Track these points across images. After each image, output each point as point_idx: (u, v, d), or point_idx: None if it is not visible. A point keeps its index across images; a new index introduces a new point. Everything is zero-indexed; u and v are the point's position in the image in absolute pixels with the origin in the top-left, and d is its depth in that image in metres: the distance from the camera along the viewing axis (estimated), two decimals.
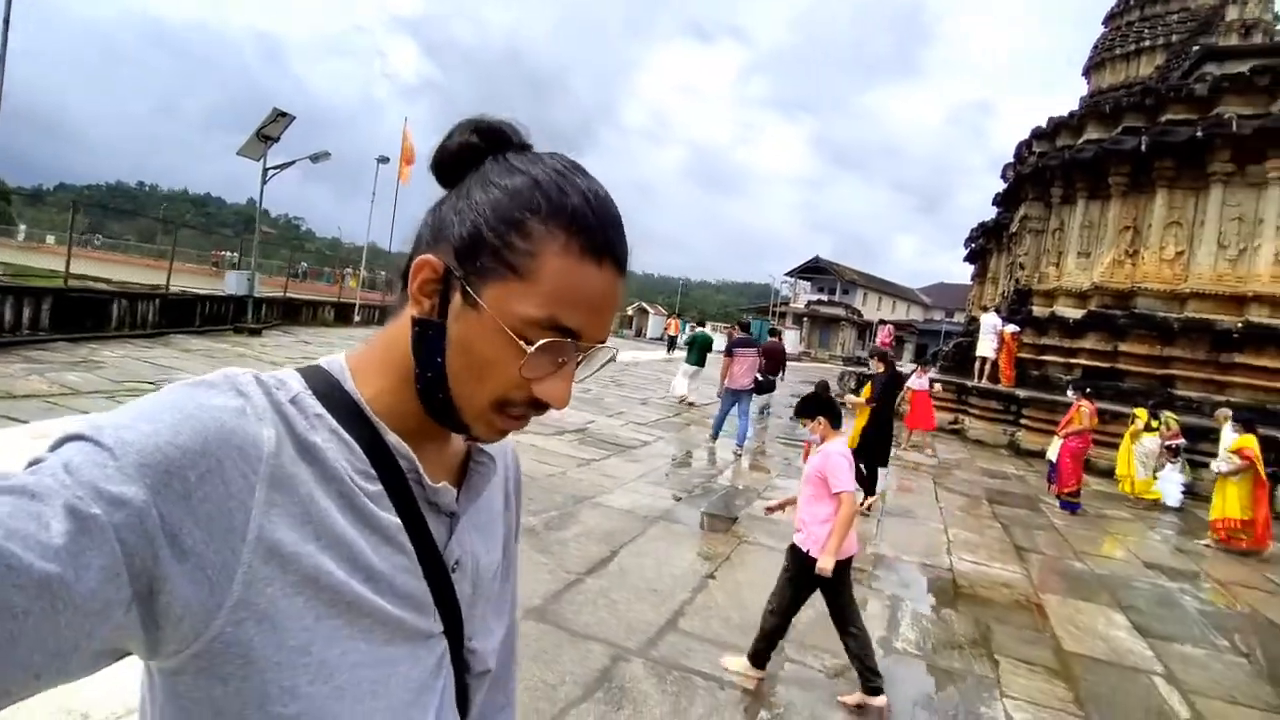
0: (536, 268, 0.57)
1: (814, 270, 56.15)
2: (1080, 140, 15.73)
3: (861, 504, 6.51)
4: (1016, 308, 16.93)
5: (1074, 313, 15.12)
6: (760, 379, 10.15)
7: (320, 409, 0.59)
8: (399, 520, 0.60)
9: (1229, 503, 7.74)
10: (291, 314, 18.76)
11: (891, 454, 8.61)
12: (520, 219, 0.58)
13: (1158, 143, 13.73)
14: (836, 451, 3.54)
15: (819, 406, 3.77)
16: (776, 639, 3.51)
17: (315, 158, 17.08)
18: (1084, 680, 4.07)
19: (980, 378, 15.80)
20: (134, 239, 42.70)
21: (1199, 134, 13.09)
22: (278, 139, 15.07)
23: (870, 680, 3.35)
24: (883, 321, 38.81)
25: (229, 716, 0.52)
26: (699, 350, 14.13)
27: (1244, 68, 13.44)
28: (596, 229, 0.59)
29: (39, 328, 10.42)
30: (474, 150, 0.63)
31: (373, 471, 0.59)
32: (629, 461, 8.01)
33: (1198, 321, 13.01)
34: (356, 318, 21.15)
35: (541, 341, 0.58)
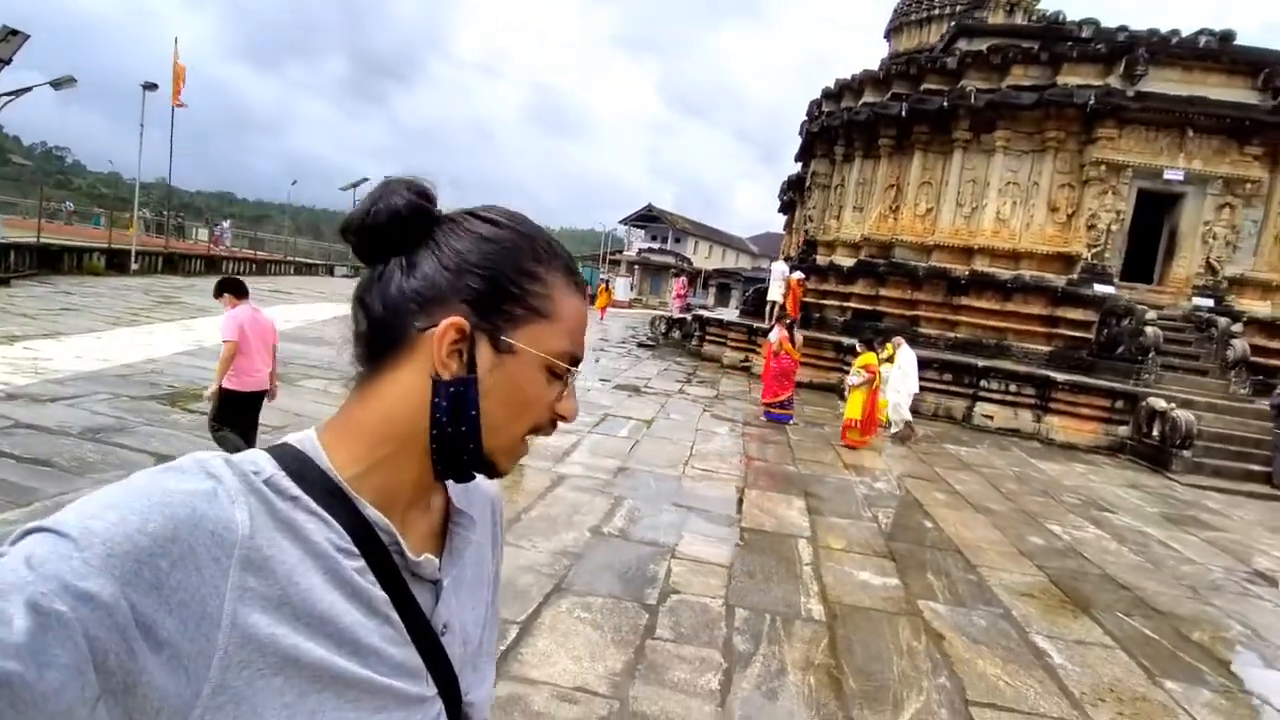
0: (555, 307, 0.68)
1: (647, 219, 57.99)
2: (859, 103, 17.81)
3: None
4: (804, 256, 19.09)
5: (848, 261, 17.39)
6: None
7: (296, 490, 0.60)
8: (385, 594, 0.63)
9: (851, 406, 9.85)
10: (51, 262, 17.01)
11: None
12: (533, 269, 0.67)
13: (915, 109, 15.98)
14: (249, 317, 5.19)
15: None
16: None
17: (57, 84, 15.38)
18: (746, 544, 5.40)
19: (769, 320, 17.79)
20: None
21: (945, 104, 15.42)
22: (9, 60, 13.52)
23: None
24: (676, 274, 41.53)
25: None
26: None
27: (984, 45, 15.89)
28: (574, 267, 0.72)
29: None
30: (422, 211, 0.67)
31: (354, 549, 0.61)
32: None
33: (938, 270, 15.54)
34: (134, 265, 19.40)
35: (566, 351, 0.69)
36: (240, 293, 5.37)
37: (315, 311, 16.33)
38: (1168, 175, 14.02)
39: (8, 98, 14.50)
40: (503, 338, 0.65)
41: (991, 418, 12.86)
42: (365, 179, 35.39)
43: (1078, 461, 11.02)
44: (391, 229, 0.66)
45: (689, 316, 22.08)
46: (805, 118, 20.54)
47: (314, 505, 0.60)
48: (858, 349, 10.71)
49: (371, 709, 0.60)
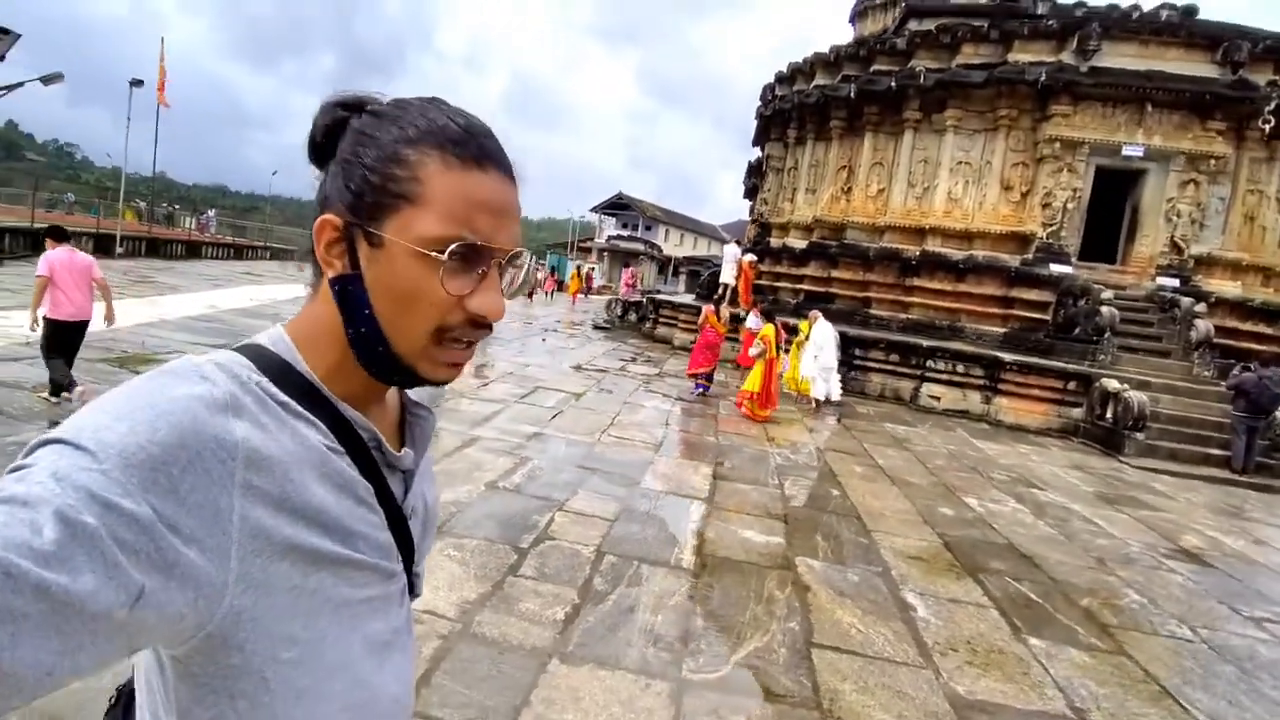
0: (423, 189, 0.63)
1: (618, 206, 57.77)
2: (811, 85, 17.78)
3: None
4: (759, 239, 19.08)
5: (801, 243, 17.40)
6: None
7: (282, 395, 0.64)
8: (369, 484, 0.69)
9: (751, 379, 9.88)
10: (41, 246, 17.26)
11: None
12: (395, 151, 0.64)
13: (865, 90, 15.96)
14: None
15: None
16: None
17: (47, 80, 15.61)
18: (636, 502, 5.35)
19: (723, 303, 17.76)
20: None
21: (894, 84, 15.41)
22: (2, 58, 13.53)
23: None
24: (626, 264, 41.61)
25: (247, 677, 0.59)
26: None
27: (933, 25, 15.88)
28: (468, 139, 0.65)
29: None
30: (342, 122, 0.68)
31: (339, 447, 0.66)
32: None
33: (890, 250, 15.55)
34: (119, 249, 20.20)
35: (452, 247, 0.62)
36: (59, 237, 6.17)
37: (279, 292, 16.69)
38: (1126, 151, 14.06)
39: (2, 91, 14.60)
40: (370, 229, 0.64)
41: (938, 399, 12.89)
42: None
43: (1024, 443, 11.05)
44: (320, 144, 0.69)
45: (644, 299, 22.02)
46: (759, 102, 20.49)
47: (299, 408, 0.64)
48: (752, 321, 11.11)
49: (361, 584, 0.67)
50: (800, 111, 17.59)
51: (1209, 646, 4.31)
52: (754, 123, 21.12)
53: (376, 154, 0.64)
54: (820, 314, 11.79)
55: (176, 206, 49.33)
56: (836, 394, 11.64)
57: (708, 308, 11.49)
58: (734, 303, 17.48)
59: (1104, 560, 5.75)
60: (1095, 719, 3.30)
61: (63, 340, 5.85)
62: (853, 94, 16.02)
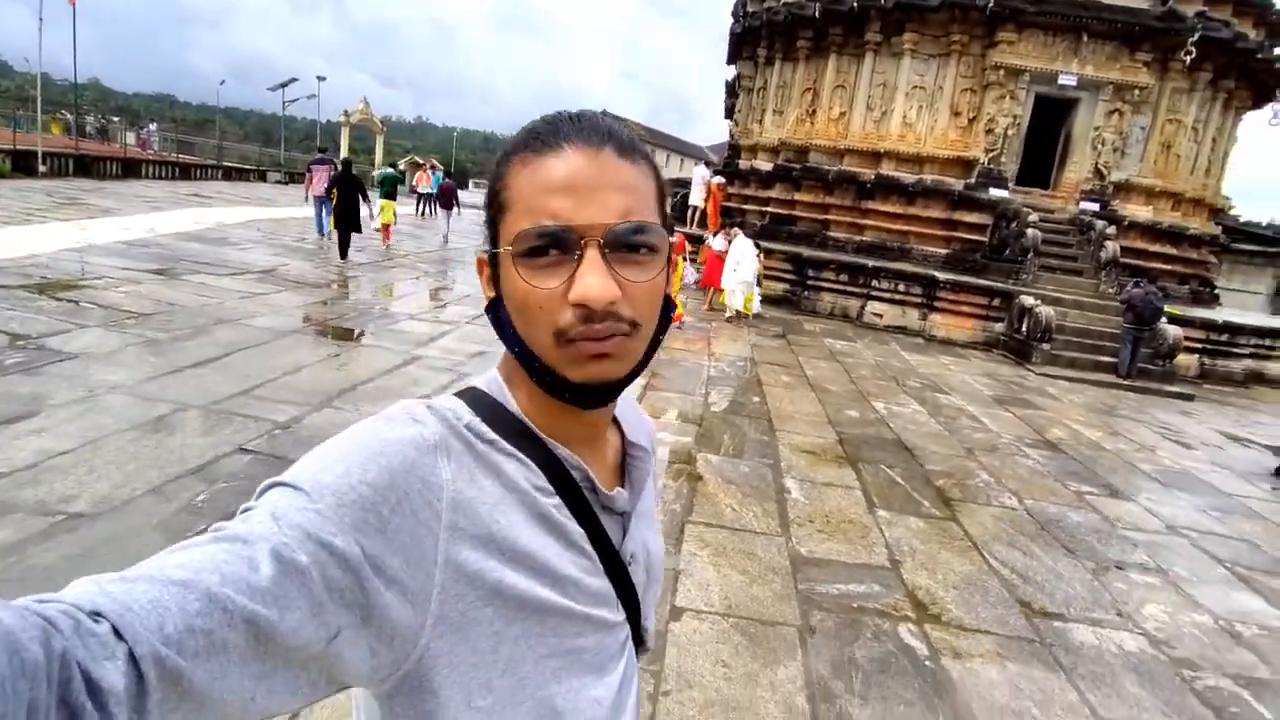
0: (510, 193, 0.63)
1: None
2: (780, 3, 17.67)
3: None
4: (728, 161, 19.31)
5: (767, 166, 17.69)
6: None
7: (492, 434, 0.64)
8: (580, 528, 0.67)
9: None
10: None
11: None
12: (495, 169, 0.65)
13: (829, 10, 15.96)
14: None
15: None
16: None
17: None
18: None
19: (691, 224, 18.16)
20: None
21: (856, 5, 15.43)
22: None
23: None
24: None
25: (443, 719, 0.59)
26: (389, 185, 15.95)
27: None
28: (547, 128, 0.63)
29: None
30: None
31: (549, 487, 0.65)
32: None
33: (848, 174, 15.94)
34: (42, 167, 18.86)
35: (515, 236, 0.60)
36: None
37: (228, 215, 16.28)
38: (1062, 80, 14.40)
39: None
40: (492, 250, 0.66)
41: (881, 316, 13.63)
42: (294, 79, 34.11)
43: (949, 355, 11.89)
44: None
45: None
46: (732, 18, 20.27)
47: (509, 447, 0.64)
48: (716, 243, 12.13)
49: (571, 634, 0.65)
50: (769, 30, 17.56)
51: (1028, 513, 5.17)
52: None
53: (490, 179, 0.67)
54: (740, 231, 12.51)
55: (114, 119, 45.64)
56: (757, 307, 12.42)
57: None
58: (703, 225, 17.90)
59: (973, 450, 6.59)
60: (907, 566, 4.11)
61: None
62: (817, 13, 16.04)
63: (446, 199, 19.70)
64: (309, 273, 10.78)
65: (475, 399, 0.67)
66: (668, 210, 0.68)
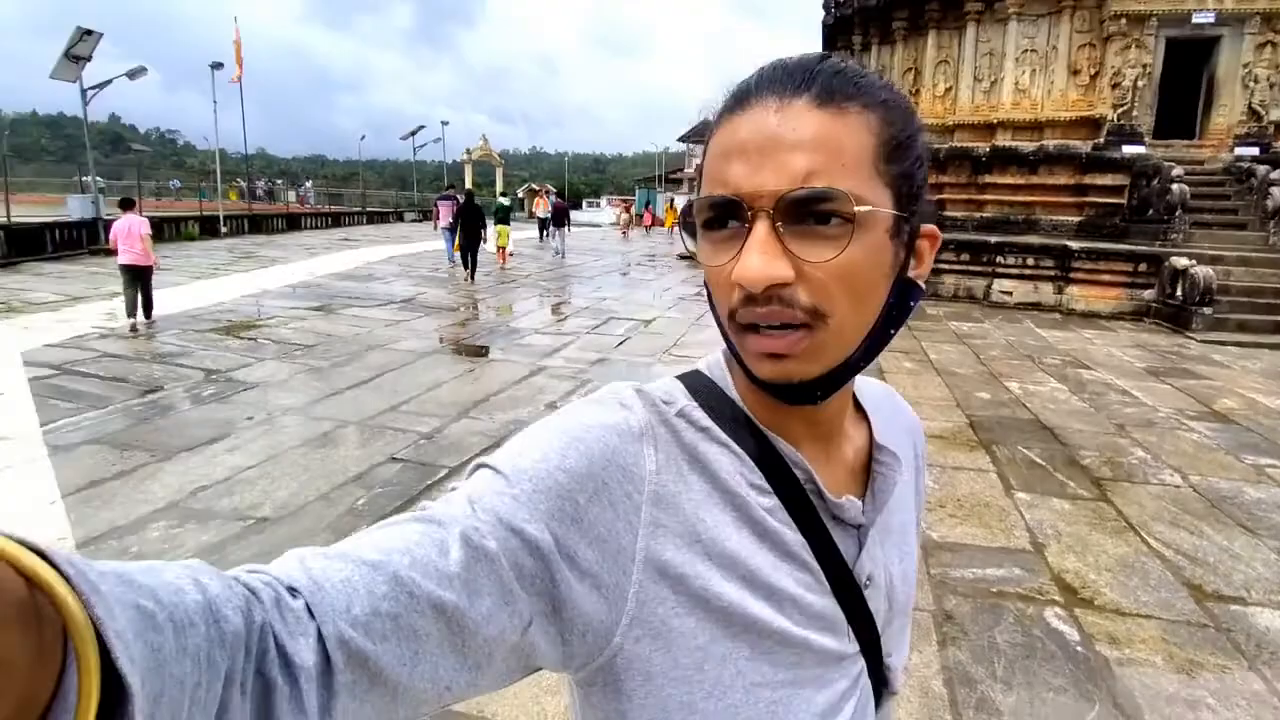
0: (705, 160, 0.54)
1: (705, 133, 56.70)
2: None
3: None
4: None
5: None
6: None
7: (707, 420, 0.57)
8: (801, 536, 0.56)
9: None
10: (155, 232, 18.99)
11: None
12: (706, 136, 0.56)
13: None
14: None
15: None
16: None
17: (132, 74, 16.90)
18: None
19: None
20: None
21: None
22: (89, 58, 14.94)
23: None
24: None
25: None
26: (503, 211, 17.55)
27: None
28: (744, 85, 0.53)
29: None
30: None
31: (767, 485, 0.56)
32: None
33: (960, 150, 15.01)
34: (223, 229, 21.37)
35: (700, 199, 0.52)
36: (126, 206, 9.12)
37: (372, 254, 17.72)
38: (1197, 19, 12.87)
39: (94, 90, 16.04)
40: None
41: (1010, 294, 12.71)
42: (422, 126, 36.49)
43: (1092, 328, 10.89)
44: None
45: None
46: (822, 11, 19.68)
47: (724, 436, 0.57)
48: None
49: (787, 663, 0.55)
50: (863, 16, 16.94)
51: (1194, 491, 4.62)
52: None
53: None
54: None
55: (277, 182, 50.71)
56: None
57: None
58: None
59: (1124, 426, 5.99)
60: (1053, 550, 3.79)
61: (127, 274, 8.33)
62: None
63: (558, 218, 20.76)
64: (443, 298, 11.48)
65: (693, 382, 0.60)
66: (910, 173, 0.53)
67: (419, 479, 4.34)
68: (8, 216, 14.52)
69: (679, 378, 0.61)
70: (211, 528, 3.64)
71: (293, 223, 26.04)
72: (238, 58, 20.72)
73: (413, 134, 35.95)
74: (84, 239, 15.63)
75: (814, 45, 21.37)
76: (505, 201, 19.55)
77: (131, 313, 8.25)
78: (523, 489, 0.48)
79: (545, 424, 0.54)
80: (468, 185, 31.63)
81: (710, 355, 0.63)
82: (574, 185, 77.18)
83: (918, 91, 16.11)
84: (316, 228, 27.07)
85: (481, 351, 7.99)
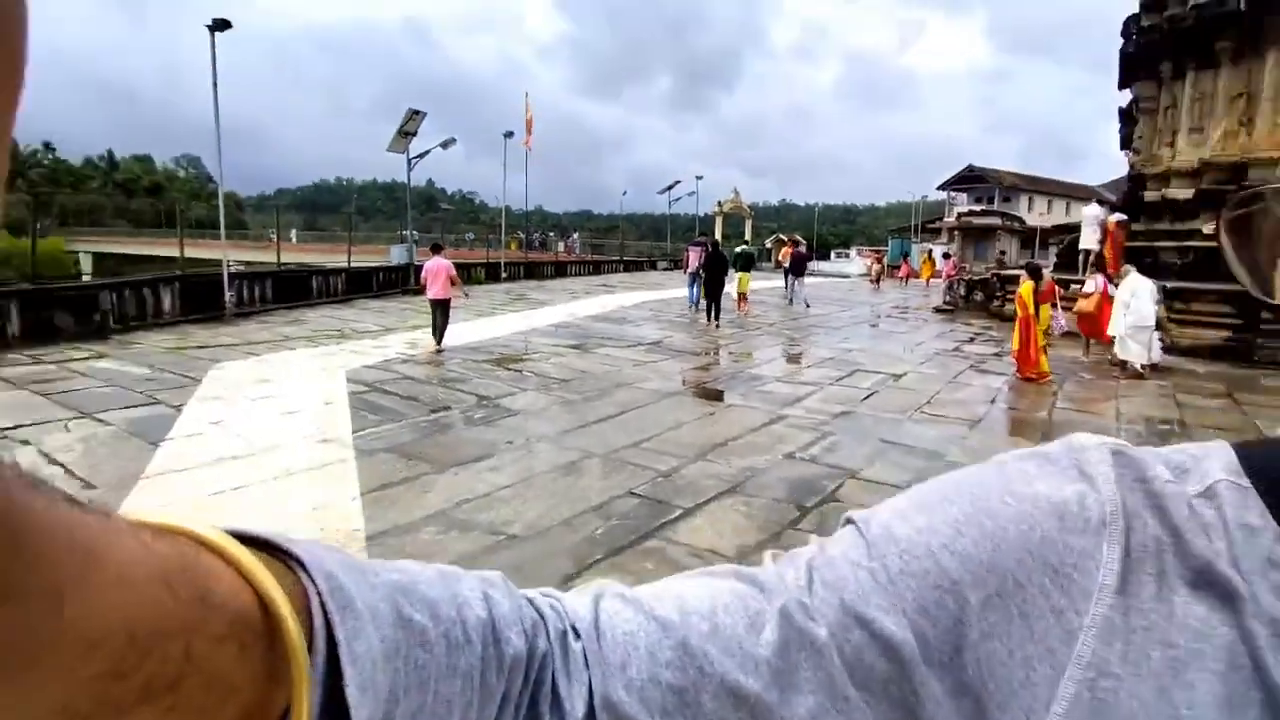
0: None
1: (970, 180, 52.73)
2: (1187, 8, 14.65)
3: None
4: (1129, 194, 16.26)
5: (1185, 194, 14.44)
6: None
7: (1262, 518, 0.34)
8: None
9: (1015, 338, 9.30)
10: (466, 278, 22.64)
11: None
12: None
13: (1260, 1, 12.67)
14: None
15: None
16: None
17: (445, 144, 20.37)
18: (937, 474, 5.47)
19: (1083, 271, 15.55)
20: (338, 228, 50.85)
21: None
22: (415, 133, 18.25)
23: None
24: (946, 255, 34.92)
25: None
26: (745, 260, 18.14)
27: None
28: None
29: (265, 300, 14.23)
30: None
31: None
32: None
33: None
34: (504, 274, 24.64)
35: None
36: (435, 250, 10.75)
37: (626, 299, 19.02)
38: None
39: (416, 159, 19.54)
40: None
41: None
42: (677, 181, 38.68)
43: None
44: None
45: (991, 276, 20.17)
46: (1121, 38, 17.32)
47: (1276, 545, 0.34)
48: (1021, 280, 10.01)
49: None
50: (1175, 40, 14.63)
51: None
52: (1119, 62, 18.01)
53: None
54: (1134, 268, 10.18)
55: (550, 234, 57.11)
56: (1156, 356, 9.83)
57: (1024, 281, 9.98)
58: (1100, 269, 15.25)
59: None
60: None
61: (435, 308, 10.10)
62: (1243, 4, 12.91)
63: (796, 267, 20.63)
64: (688, 342, 11.83)
65: (1265, 457, 0.38)
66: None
67: (653, 515, 4.39)
68: (349, 262, 18.00)
69: (1237, 446, 0.39)
70: (470, 538, 4.00)
71: (560, 270, 29.21)
72: (528, 127, 23.83)
73: (669, 188, 38.25)
74: (399, 280, 18.81)
75: (1107, 81, 18.88)
76: (747, 249, 20.18)
77: (437, 338, 10.11)
78: (886, 565, 0.36)
79: (953, 480, 0.40)
80: (718, 236, 32.74)
81: None
82: (822, 236, 76.34)
83: (1250, 120, 13.45)
84: (580, 274, 29.99)
85: (722, 396, 8.02)
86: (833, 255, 55.13)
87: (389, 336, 11.33)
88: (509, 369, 8.89)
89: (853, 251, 55.68)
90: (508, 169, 24.53)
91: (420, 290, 18.43)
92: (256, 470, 4.96)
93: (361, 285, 17.51)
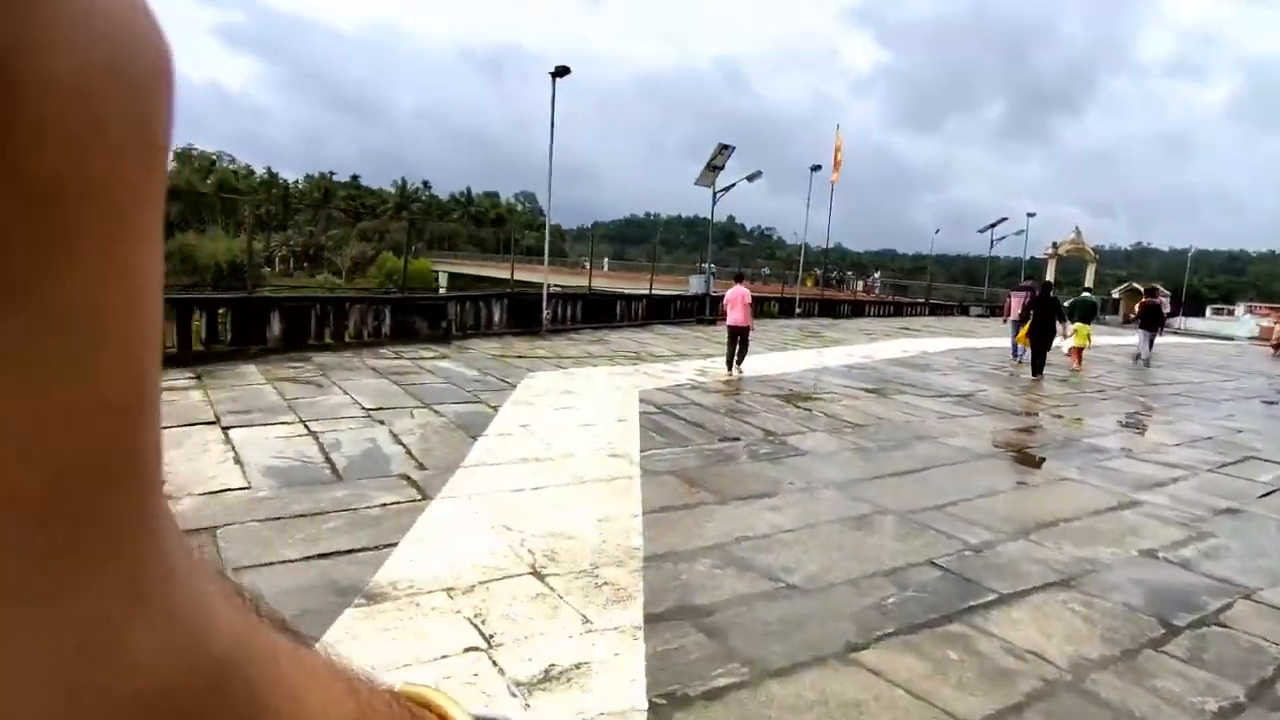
0: None
1: None
2: None
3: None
4: None
5: None
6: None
7: None
8: None
9: None
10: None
11: None
12: None
13: None
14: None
15: None
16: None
17: (750, 178, 20.97)
18: None
19: None
20: (643, 259, 55.61)
21: None
22: (723, 167, 19.13)
23: None
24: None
25: None
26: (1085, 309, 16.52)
27: None
28: None
29: (576, 320, 15.88)
30: None
31: None
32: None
33: None
34: (798, 310, 24.58)
35: None
36: (738, 279, 11.57)
37: (931, 345, 17.48)
38: None
39: (722, 193, 20.42)
40: None
41: None
42: (1003, 219, 35.14)
43: None
44: None
45: None
46: None
47: None
48: None
49: None
50: None
51: None
52: None
53: None
54: None
55: (847, 272, 55.60)
56: None
57: None
58: None
59: None
60: None
61: (732, 336, 10.59)
62: None
63: (1149, 320, 17.28)
64: (1004, 398, 10.47)
65: None
66: None
67: (959, 595, 3.83)
68: (650, 289, 19.35)
69: None
70: (746, 579, 3.85)
71: (857, 309, 28.26)
72: (836, 162, 23.54)
73: (991, 227, 34.92)
74: (695, 310, 19.71)
75: None
76: (1089, 297, 18.28)
77: (730, 365, 10.56)
78: None
79: None
80: (1048, 278, 29.18)
81: None
82: (1195, 287, 63.44)
83: None
84: (878, 315, 28.65)
85: (1045, 464, 6.89)
86: (1208, 312, 45.38)
87: (681, 362, 11.83)
88: (798, 406, 8.66)
89: (1239, 308, 45.25)
90: (811, 204, 24.48)
91: (714, 321, 19.45)
92: (553, 474, 5.39)
93: (660, 312, 18.71)
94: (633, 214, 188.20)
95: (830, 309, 26.66)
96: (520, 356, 11.21)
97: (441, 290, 31.50)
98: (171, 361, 8.74)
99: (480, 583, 3.64)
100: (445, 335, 12.67)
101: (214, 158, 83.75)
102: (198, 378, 8.09)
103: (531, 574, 3.77)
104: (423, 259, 50.57)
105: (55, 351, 0.13)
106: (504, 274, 19.68)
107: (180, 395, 7.22)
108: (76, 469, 0.14)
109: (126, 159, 0.14)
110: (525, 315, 14.53)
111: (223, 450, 5.57)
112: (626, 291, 19.39)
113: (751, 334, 10.80)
